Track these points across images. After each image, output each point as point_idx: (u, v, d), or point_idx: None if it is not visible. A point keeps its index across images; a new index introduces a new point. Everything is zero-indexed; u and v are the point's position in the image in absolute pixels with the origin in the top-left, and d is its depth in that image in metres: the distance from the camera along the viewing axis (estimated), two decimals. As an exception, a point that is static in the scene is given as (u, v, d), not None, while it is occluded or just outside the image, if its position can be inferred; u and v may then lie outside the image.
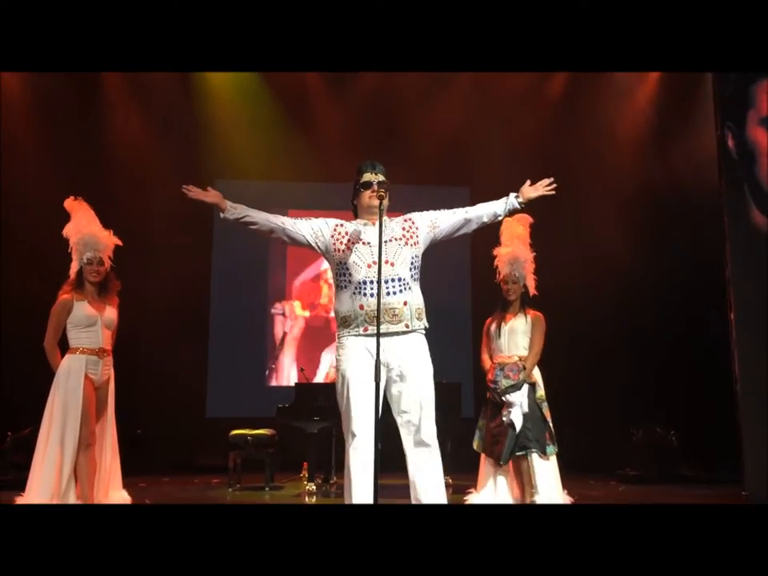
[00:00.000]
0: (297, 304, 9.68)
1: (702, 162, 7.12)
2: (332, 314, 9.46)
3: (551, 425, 4.72)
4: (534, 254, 5.00)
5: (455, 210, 3.53)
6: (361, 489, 3.22)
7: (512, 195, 3.55)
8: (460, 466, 6.51)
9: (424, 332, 3.42)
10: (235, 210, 3.38)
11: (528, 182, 3.57)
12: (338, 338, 3.40)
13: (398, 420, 3.34)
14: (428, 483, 3.25)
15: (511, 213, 3.60)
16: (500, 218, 3.63)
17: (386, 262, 3.33)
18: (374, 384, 3.13)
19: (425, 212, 3.54)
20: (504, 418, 4.63)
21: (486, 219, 3.54)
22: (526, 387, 4.68)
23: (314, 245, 3.46)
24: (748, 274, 5.72)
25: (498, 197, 3.66)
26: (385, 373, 3.29)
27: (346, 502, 3.28)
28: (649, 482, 6.97)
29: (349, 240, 3.40)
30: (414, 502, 3.29)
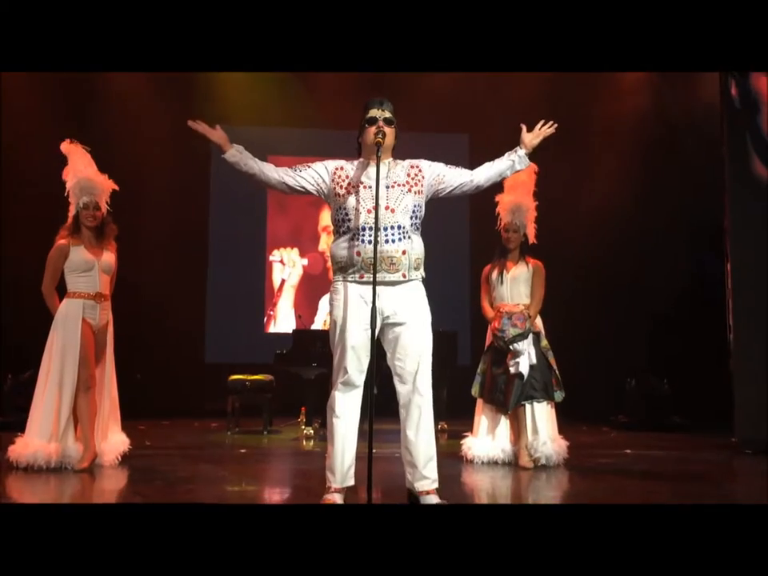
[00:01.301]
0: (295, 251, 9.68)
1: (704, 110, 7.03)
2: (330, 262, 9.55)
3: (557, 371, 4.78)
4: (537, 202, 4.97)
5: (462, 170, 3.43)
6: (347, 427, 3.26)
7: (520, 151, 3.44)
8: (455, 413, 6.61)
9: (421, 281, 3.37)
10: (239, 155, 3.29)
11: (524, 129, 3.47)
12: (333, 282, 3.36)
13: (393, 368, 3.32)
14: (420, 437, 3.26)
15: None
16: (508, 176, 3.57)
17: (387, 208, 3.26)
18: (367, 329, 3.13)
19: (434, 163, 3.44)
20: (511, 368, 4.66)
21: (494, 179, 3.46)
22: (531, 336, 4.71)
23: (315, 192, 3.39)
24: (746, 224, 5.71)
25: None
26: (380, 321, 3.26)
27: (329, 444, 3.29)
28: (640, 429, 7.08)
29: (349, 183, 3.32)
30: (402, 450, 3.31)
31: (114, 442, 4.65)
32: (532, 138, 3.46)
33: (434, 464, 3.29)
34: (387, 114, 3.33)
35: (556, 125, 3.47)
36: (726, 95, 5.91)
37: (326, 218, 9.52)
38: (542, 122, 3.49)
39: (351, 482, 3.31)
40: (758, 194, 5.70)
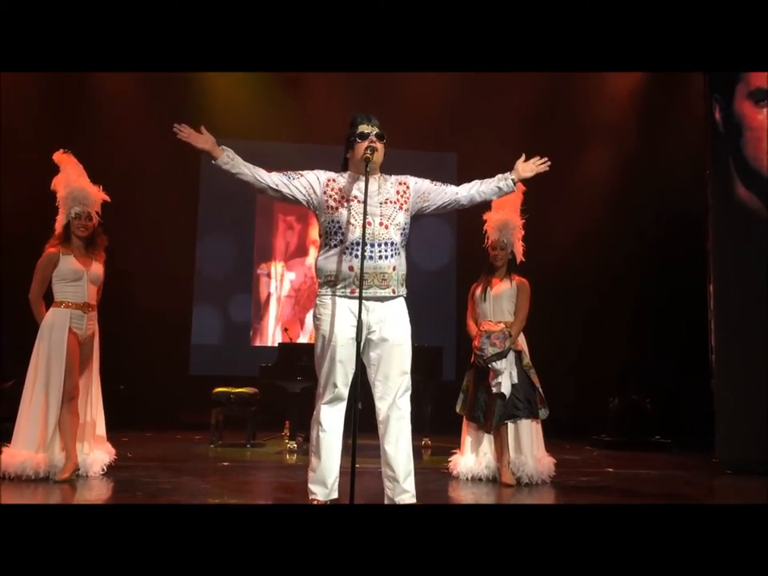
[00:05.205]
0: (282, 265, 9.69)
1: (691, 133, 7.13)
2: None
3: (541, 389, 4.79)
4: (524, 220, 5.02)
5: (447, 188, 3.44)
6: (332, 441, 3.29)
7: (508, 177, 3.46)
8: (439, 428, 6.62)
9: (404, 298, 3.42)
10: (231, 161, 3.25)
11: (522, 158, 3.50)
12: (320, 296, 3.35)
13: (373, 384, 3.36)
14: (399, 452, 3.30)
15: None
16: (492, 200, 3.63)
17: (381, 224, 3.28)
18: (354, 344, 3.16)
19: (420, 180, 3.45)
20: (493, 388, 4.66)
21: (477, 201, 3.48)
22: (512, 355, 4.71)
23: (305, 203, 3.38)
24: (729, 245, 5.79)
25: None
26: (365, 335, 3.28)
27: (313, 457, 3.32)
28: (623, 448, 7.11)
29: (342, 197, 3.32)
30: (383, 465, 3.34)
31: (99, 452, 4.64)
32: (526, 170, 3.48)
33: (412, 478, 3.33)
34: (377, 130, 3.36)
35: (549, 162, 3.50)
36: (710, 119, 6.00)
37: (315, 232, 9.54)
38: (537, 158, 3.51)
39: (335, 495, 3.35)
40: (741, 216, 5.78)
